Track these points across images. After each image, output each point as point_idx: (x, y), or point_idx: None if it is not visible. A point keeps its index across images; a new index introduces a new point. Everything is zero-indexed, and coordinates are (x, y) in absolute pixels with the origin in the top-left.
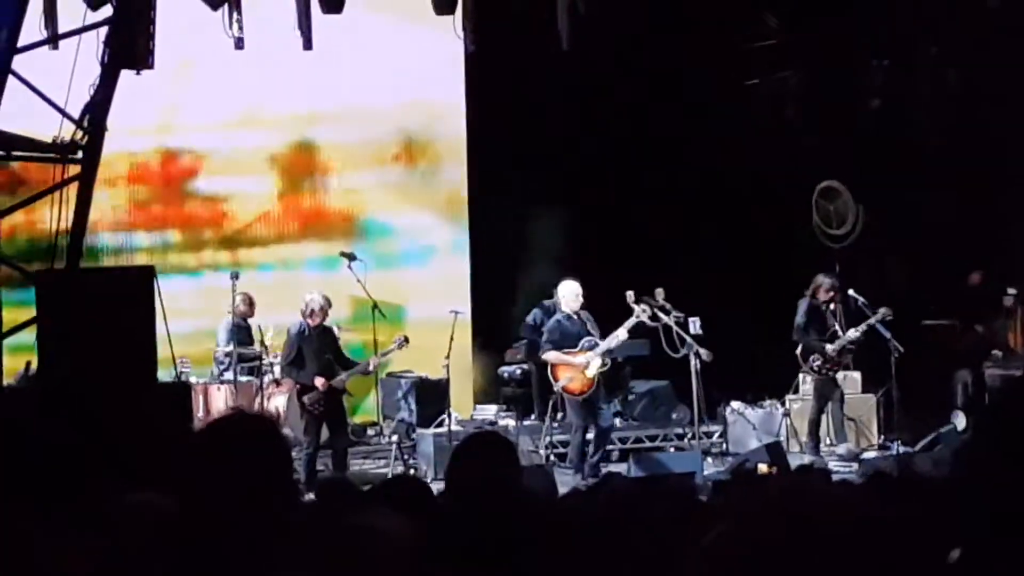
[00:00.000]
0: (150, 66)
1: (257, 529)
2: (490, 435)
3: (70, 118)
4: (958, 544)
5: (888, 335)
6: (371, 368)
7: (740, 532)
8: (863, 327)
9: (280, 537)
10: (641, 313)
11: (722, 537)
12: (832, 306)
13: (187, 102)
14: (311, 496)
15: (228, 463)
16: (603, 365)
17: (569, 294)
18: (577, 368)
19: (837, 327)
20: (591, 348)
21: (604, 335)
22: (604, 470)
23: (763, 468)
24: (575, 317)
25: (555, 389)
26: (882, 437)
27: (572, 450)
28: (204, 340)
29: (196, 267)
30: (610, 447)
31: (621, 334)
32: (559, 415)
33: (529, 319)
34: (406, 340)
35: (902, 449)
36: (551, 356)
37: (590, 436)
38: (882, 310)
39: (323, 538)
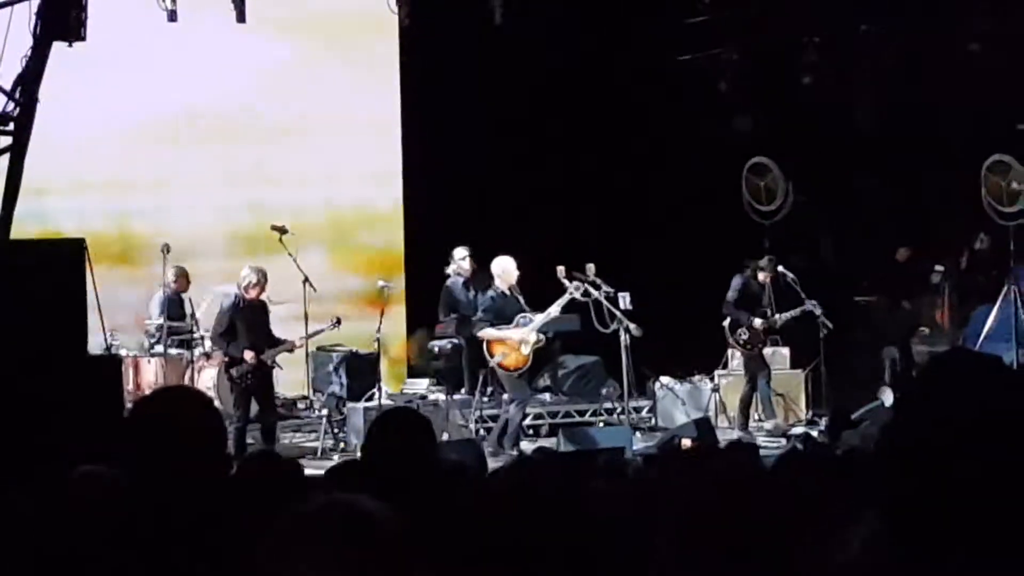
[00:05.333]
0: (82, 38)
1: (194, 503)
2: (405, 411)
3: (2, 90)
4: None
5: (818, 311)
6: (298, 346)
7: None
8: (795, 313)
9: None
10: (574, 291)
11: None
12: (765, 285)
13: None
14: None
15: (165, 437)
16: (538, 341)
17: (504, 270)
18: (512, 344)
19: (766, 306)
20: (525, 325)
21: (535, 311)
22: (535, 444)
23: (686, 443)
24: (508, 294)
25: (491, 364)
26: (810, 412)
27: (512, 426)
28: None
29: None
30: (539, 422)
31: (554, 311)
32: (489, 389)
33: (449, 294)
34: (338, 321)
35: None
36: (486, 333)
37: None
38: (812, 303)
39: (321, 519)
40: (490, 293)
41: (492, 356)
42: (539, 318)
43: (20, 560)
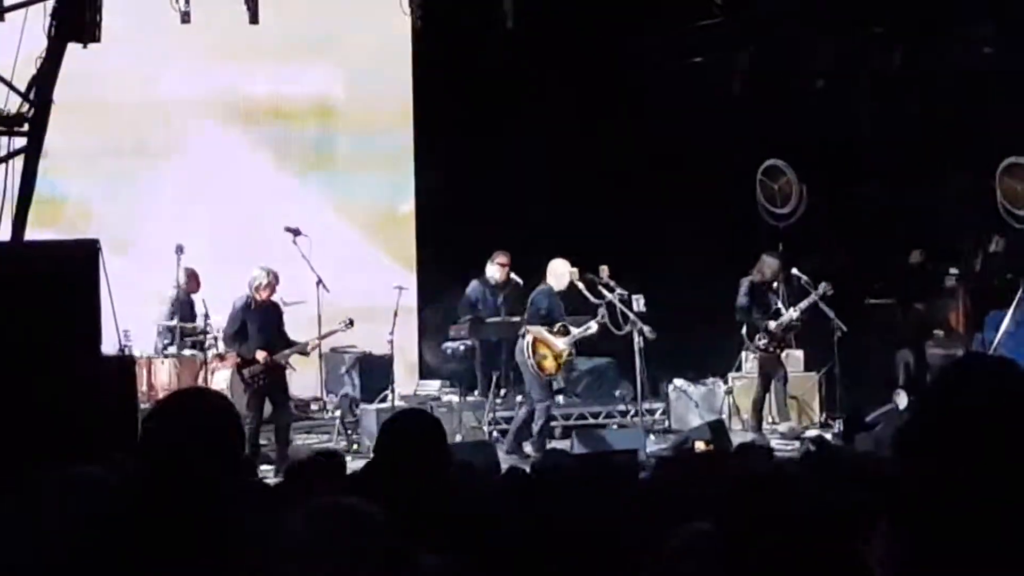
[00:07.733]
0: (97, 39)
1: (211, 502)
2: (415, 412)
3: (16, 91)
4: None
5: (831, 314)
6: (310, 348)
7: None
8: (805, 304)
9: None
10: (601, 318)
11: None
12: (775, 284)
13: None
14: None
15: (185, 438)
16: (570, 354)
17: (562, 272)
18: (555, 352)
19: (780, 305)
20: (565, 334)
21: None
22: (549, 446)
23: (700, 445)
24: (558, 295)
25: (528, 361)
26: (824, 415)
27: (538, 425)
28: None
29: None
30: (553, 423)
31: (593, 327)
32: (502, 391)
33: (470, 294)
34: (351, 323)
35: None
36: (537, 330)
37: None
38: (823, 285)
39: (310, 519)
40: (546, 292)
41: (535, 354)
42: (577, 332)
43: (14, 561)
